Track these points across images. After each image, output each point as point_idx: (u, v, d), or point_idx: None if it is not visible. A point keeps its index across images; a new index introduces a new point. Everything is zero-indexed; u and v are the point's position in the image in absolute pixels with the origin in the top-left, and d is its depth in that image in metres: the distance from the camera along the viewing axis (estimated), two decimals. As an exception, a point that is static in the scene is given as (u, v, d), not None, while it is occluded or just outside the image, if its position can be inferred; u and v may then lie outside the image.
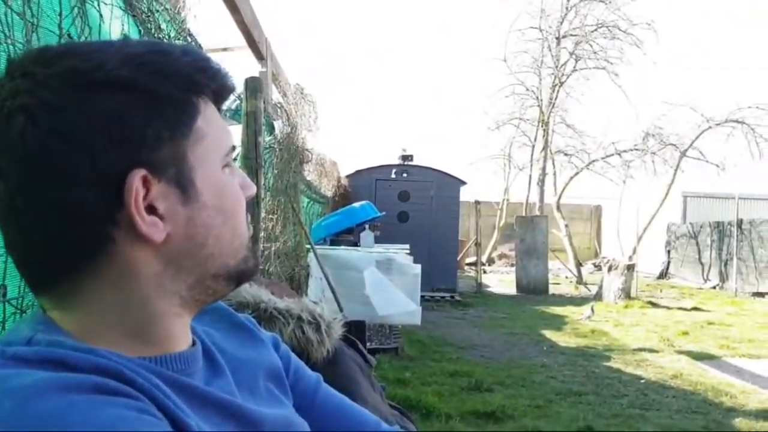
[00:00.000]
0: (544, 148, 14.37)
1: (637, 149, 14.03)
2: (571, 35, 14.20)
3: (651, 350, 5.76)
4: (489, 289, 11.36)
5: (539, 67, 14.70)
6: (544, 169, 14.35)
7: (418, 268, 5.84)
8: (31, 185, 0.49)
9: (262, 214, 2.93)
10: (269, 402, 0.63)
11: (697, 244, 14.74)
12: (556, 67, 14.30)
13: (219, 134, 0.57)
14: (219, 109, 0.60)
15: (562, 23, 14.14)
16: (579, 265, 13.62)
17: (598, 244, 20.76)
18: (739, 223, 12.85)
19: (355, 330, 1.35)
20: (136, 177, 0.50)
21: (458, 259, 11.67)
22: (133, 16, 1.47)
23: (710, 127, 12.89)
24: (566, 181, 14.93)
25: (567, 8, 14.02)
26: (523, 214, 13.90)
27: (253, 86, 2.40)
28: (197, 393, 0.54)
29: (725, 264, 13.43)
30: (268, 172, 3.54)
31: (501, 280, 13.15)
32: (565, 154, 15.48)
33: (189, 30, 1.97)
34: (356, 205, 7.20)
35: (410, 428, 1.15)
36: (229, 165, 0.58)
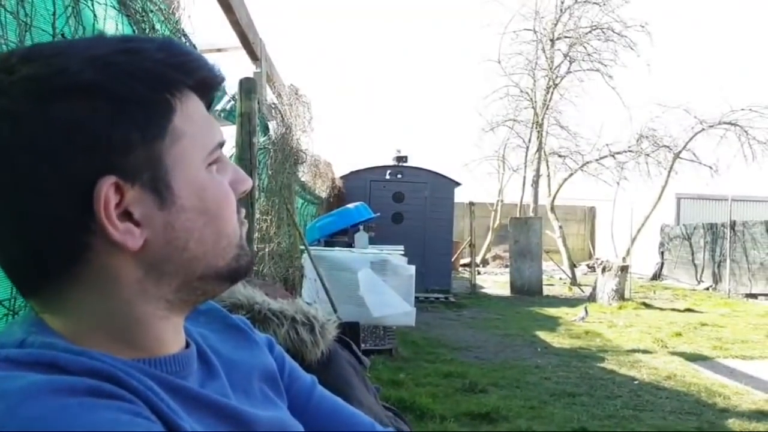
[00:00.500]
0: (538, 150, 14.42)
1: (630, 151, 14.11)
2: (566, 37, 14.27)
3: (645, 351, 5.79)
4: (483, 291, 11.38)
5: (533, 69, 14.78)
6: (538, 170, 14.41)
7: (412, 269, 5.83)
8: (1, 197, 0.48)
9: (257, 215, 2.92)
10: (264, 404, 0.62)
11: (691, 245, 14.82)
12: (551, 68, 14.36)
13: (201, 131, 0.55)
14: (208, 104, 0.58)
15: (556, 25, 14.20)
16: (573, 266, 13.66)
17: (592, 246, 20.83)
18: (732, 224, 12.93)
19: (350, 331, 1.35)
20: (105, 185, 0.48)
21: (452, 260, 11.68)
22: (128, 16, 1.46)
23: (703, 129, 12.98)
24: (560, 183, 15.00)
25: (561, 10, 14.09)
26: (517, 216, 13.94)
27: (248, 87, 2.40)
28: (191, 395, 0.53)
29: (718, 265, 13.51)
30: (263, 173, 3.53)
31: (495, 282, 13.17)
32: (559, 156, 15.55)
33: (183, 30, 1.96)
34: (351, 206, 7.18)
35: (404, 430, 1.15)
36: (219, 161, 0.57)
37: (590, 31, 14.01)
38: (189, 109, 0.54)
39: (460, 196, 11.34)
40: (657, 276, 15.90)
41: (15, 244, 0.50)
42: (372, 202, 9.15)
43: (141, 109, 0.50)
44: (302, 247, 4.83)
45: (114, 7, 1.37)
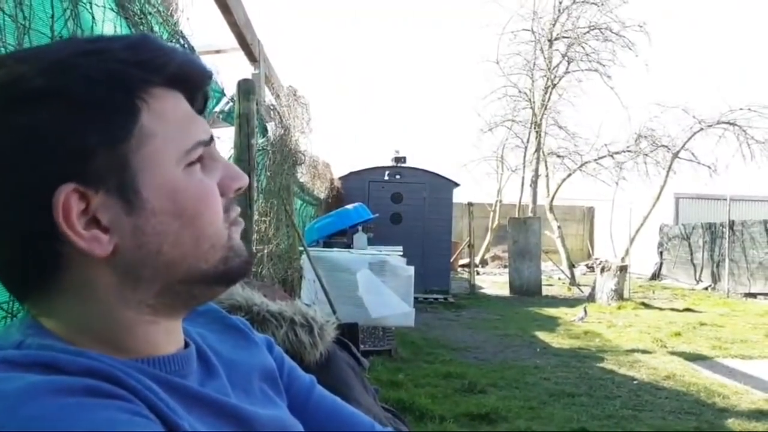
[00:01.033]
0: (537, 150, 14.42)
1: (629, 151, 14.12)
2: (564, 37, 14.27)
3: (644, 351, 5.79)
4: (482, 291, 11.38)
5: (532, 69, 14.76)
6: (536, 170, 14.41)
7: (411, 269, 5.84)
8: None
9: (255, 217, 2.92)
10: (264, 403, 0.63)
11: (690, 245, 14.83)
12: (549, 69, 14.36)
13: (176, 131, 0.53)
14: (200, 99, 0.57)
15: (554, 25, 14.20)
16: (572, 266, 13.67)
17: (591, 246, 20.84)
18: (731, 224, 12.94)
19: (349, 332, 1.35)
20: (62, 193, 0.48)
21: (451, 260, 11.69)
22: (126, 18, 1.47)
23: (702, 129, 12.98)
24: (559, 183, 15.01)
25: (559, 10, 14.08)
26: (516, 216, 13.94)
27: (246, 88, 2.40)
28: (191, 394, 0.54)
29: (717, 265, 13.51)
30: (261, 174, 3.53)
31: (494, 282, 13.17)
32: (558, 156, 15.55)
33: (182, 32, 1.97)
34: (349, 206, 7.19)
35: (404, 430, 1.15)
36: (204, 160, 0.55)
37: (588, 32, 14.01)
38: (161, 108, 0.52)
39: (459, 196, 11.37)
40: (656, 276, 15.92)
41: None
42: (371, 202, 9.15)
43: (100, 112, 0.49)
44: (301, 248, 4.83)
45: (112, 10, 1.38)
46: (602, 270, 9.69)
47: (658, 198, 13.22)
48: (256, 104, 2.62)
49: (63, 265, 0.50)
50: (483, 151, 17.14)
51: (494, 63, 14.86)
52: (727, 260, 12.65)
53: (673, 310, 9.23)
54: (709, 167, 13.13)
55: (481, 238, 16.61)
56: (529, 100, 14.89)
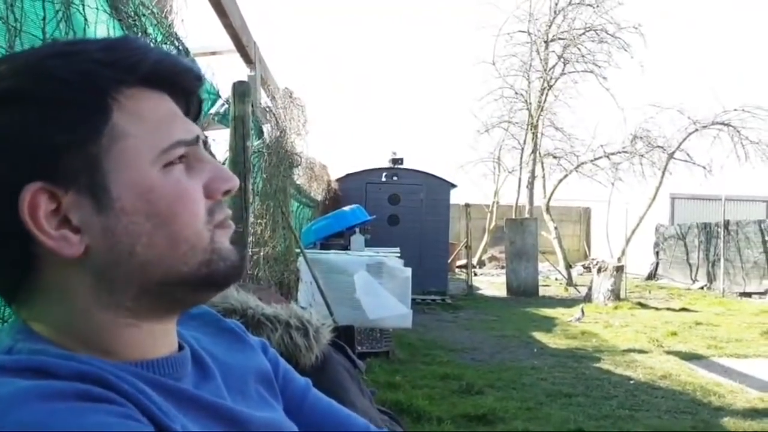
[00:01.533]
0: (533, 151, 14.45)
1: (625, 152, 14.16)
2: (560, 39, 14.30)
3: (640, 351, 5.80)
4: (479, 292, 11.39)
5: (528, 71, 14.80)
6: (533, 171, 14.43)
7: (408, 271, 5.84)
8: None
9: (251, 219, 2.91)
10: (259, 405, 0.62)
11: (685, 245, 14.88)
12: (545, 70, 14.39)
13: (152, 130, 0.52)
14: (183, 102, 0.57)
15: (550, 27, 14.24)
16: (568, 267, 13.70)
17: (588, 246, 20.89)
18: (726, 224, 12.99)
19: (344, 335, 1.35)
20: (29, 192, 0.48)
21: (449, 261, 11.70)
22: (119, 20, 1.46)
23: (697, 130, 13.03)
24: (555, 184, 15.04)
25: (555, 12, 14.11)
26: (513, 217, 13.96)
27: (241, 90, 2.40)
28: (186, 396, 0.54)
29: (713, 265, 13.56)
30: (257, 176, 3.53)
31: (491, 283, 13.19)
32: (554, 157, 15.58)
33: (176, 34, 1.96)
34: (346, 208, 7.19)
35: (400, 433, 1.15)
36: (186, 160, 0.54)
37: (584, 33, 14.05)
38: (137, 107, 0.52)
39: (456, 197, 11.38)
40: (652, 276, 15.96)
41: None
42: (368, 204, 9.15)
43: (68, 112, 0.49)
44: (298, 250, 4.83)
45: (105, 11, 1.37)
46: (599, 270, 9.71)
47: (653, 198, 13.26)
48: (252, 106, 2.62)
49: (39, 267, 0.50)
50: (480, 153, 17.19)
51: (490, 64, 14.90)
52: (722, 260, 12.70)
53: (669, 309, 9.26)
54: (704, 168, 13.19)
55: (478, 239, 16.63)
56: (526, 101, 14.93)
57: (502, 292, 11.20)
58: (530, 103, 14.75)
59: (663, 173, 13.27)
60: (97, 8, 1.28)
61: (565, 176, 15.06)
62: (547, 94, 14.53)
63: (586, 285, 10.85)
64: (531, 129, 14.67)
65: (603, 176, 14.87)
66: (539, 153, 14.66)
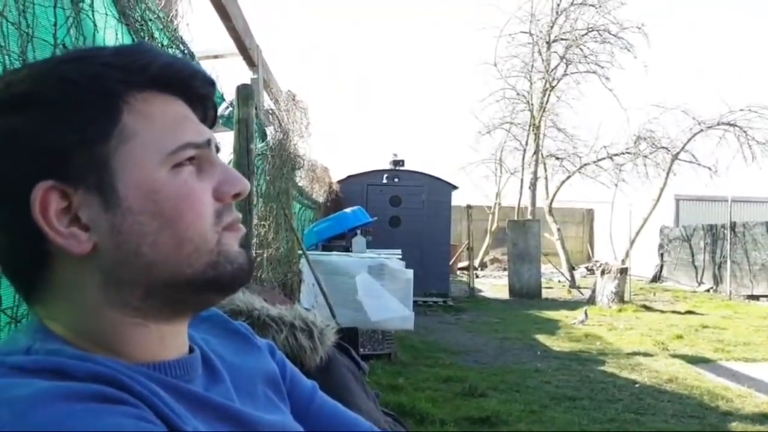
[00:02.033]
0: (536, 152, 14.44)
1: (628, 153, 14.14)
2: (562, 39, 14.31)
3: (645, 354, 5.78)
4: (482, 294, 11.38)
5: (530, 72, 14.81)
6: (535, 173, 14.43)
7: (410, 273, 5.84)
8: None
9: (254, 221, 2.92)
10: (267, 407, 0.63)
11: (691, 247, 14.82)
12: (547, 71, 14.39)
13: (161, 131, 0.53)
14: (196, 105, 0.57)
15: (552, 27, 14.24)
16: (572, 269, 13.67)
17: (591, 248, 20.84)
18: (733, 225, 12.92)
19: (348, 337, 1.35)
20: (40, 190, 0.49)
21: (450, 263, 11.69)
22: (127, 25, 1.48)
23: (702, 130, 13.00)
24: (558, 185, 15.03)
25: (557, 12, 14.12)
26: (515, 218, 13.95)
27: (245, 93, 2.41)
28: (197, 398, 0.54)
29: (719, 267, 13.49)
30: (261, 178, 3.54)
31: (493, 285, 13.17)
32: (557, 158, 15.58)
33: (181, 38, 1.98)
34: (348, 210, 7.19)
35: (404, 435, 1.15)
36: (197, 162, 0.55)
37: (586, 33, 14.05)
38: (147, 109, 0.53)
39: (458, 199, 11.38)
40: (657, 278, 15.91)
41: None
42: (369, 206, 9.16)
43: (78, 113, 0.50)
44: (300, 251, 4.83)
45: (114, 17, 1.39)
46: (602, 272, 9.68)
47: (658, 199, 13.23)
48: (255, 109, 2.63)
49: (51, 264, 0.52)
50: (481, 154, 17.23)
51: (492, 65, 14.92)
52: (728, 262, 12.63)
53: (674, 312, 9.22)
54: (709, 168, 13.15)
55: (480, 240, 16.62)
56: (528, 102, 14.93)
57: (504, 294, 11.19)
58: (532, 104, 14.75)
59: (667, 174, 13.24)
60: (106, 14, 1.30)
61: (568, 177, 15.05)
62: (549, 95, 14.54)
63: (589, 287, 10.83)
64: (533, 130, 14.67)
65: (606, 177, 14.88)
66: (541, 154, 14.66)
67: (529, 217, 13.63)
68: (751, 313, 9.34)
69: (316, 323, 1.10)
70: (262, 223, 3.54)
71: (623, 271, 9.62)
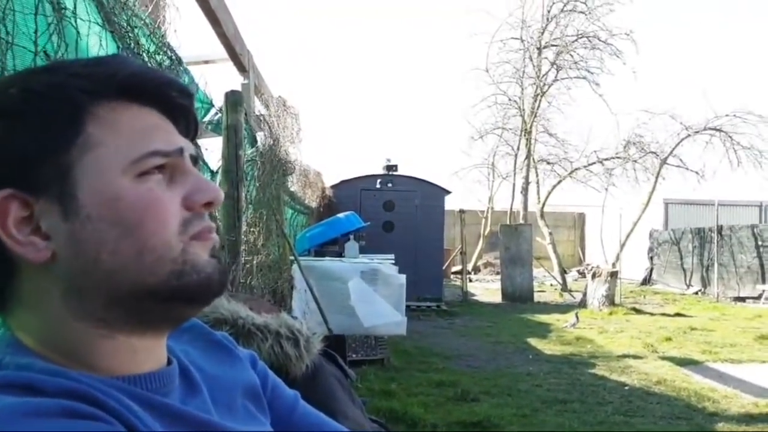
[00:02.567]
0: (527, 157, 14.51)
1: (618, 157, 14.24)
2: (552, 45, 14.41)
3: (635, 356, 5.81)
4: (474, 298, 11.39)
5: (521, 77, 14.89)
6: (527, 177, 14.49)
7: (403, 278, 5.83)
8: None
9: (244, 227, 2.91)
10: (246, 420, 0.63)
11: (679, 250, 14.93)
12: (538, 77, 14.48)
13: (129, 140, 0.53)
14: (177, 118, 0.57)
15: (543, 34, 14.34)
16: (563, 272, 13.72)
17: (582, 252, 20.94)
18: (720, 229, 13.05)
19: (335, 344, 1.35)
20: None
21: (443, 268, 11.69)
22: (112, 31, 1.46)
23: (689, 135, 13.11)
24: (549, 190, 15.10)
25: (548, 19, 14.22)
26: (508, 223, 13.99)
27: (234, 100, 2.41)
28: (172, 412, 0.53)
29: (707, 270, 13.62)
30: (251, 184, 3.53)
31: (486, 289, 13.19)
32: (548, 163, 15.67)
33: (169, 44, 1.97)
34: (341, 215, 7.18)
35: (392, 442, 1.15)
36: (167, 170, 0.54)
37: (577, 40, 14.16)
38: (113, 118, 0.53)
39: (451, 203, 11.39)
40: (647, 281, 16.01)
41: None
42: (362, 211, 9.15)
43: (40, 123, 0.51)
44: (292, 257, 4.82)
45: (97, 24, 1.37)
46: (593, 276, 9.73)
47: (647, 204, 13.32)
48: (245, 114, 2.63)
49: (17, 274, 0.52)
50: (474, 159, 17.29)
51: (484, 71, 14.98)
52: (716, 265, 12.76)
53: (663, 315, 9.28)
54: (697, 173, 13.27)
55: (473, 245, 16.65)
56: (519, 107, 15.00)
57: (497, 298, 11.21)
58: (524, 110, 14.83)
59: (656, 178, 13.34)
60: (89, 20, 1.28)
61: (559, 182, 15.13)
62: (540, 101, 14.63)
63: (580, 290, 10.87)
64: (525, 135, 14.74)
65: (597, 182, 14.99)
66: (533, 159, 14.74)
67: (521, 221, 13.67)
68: (737, 315, 9.42)
69: (302, 331, 1.09)
70: (252, 229, 3.52)
71: (614, 275, 9.67)
